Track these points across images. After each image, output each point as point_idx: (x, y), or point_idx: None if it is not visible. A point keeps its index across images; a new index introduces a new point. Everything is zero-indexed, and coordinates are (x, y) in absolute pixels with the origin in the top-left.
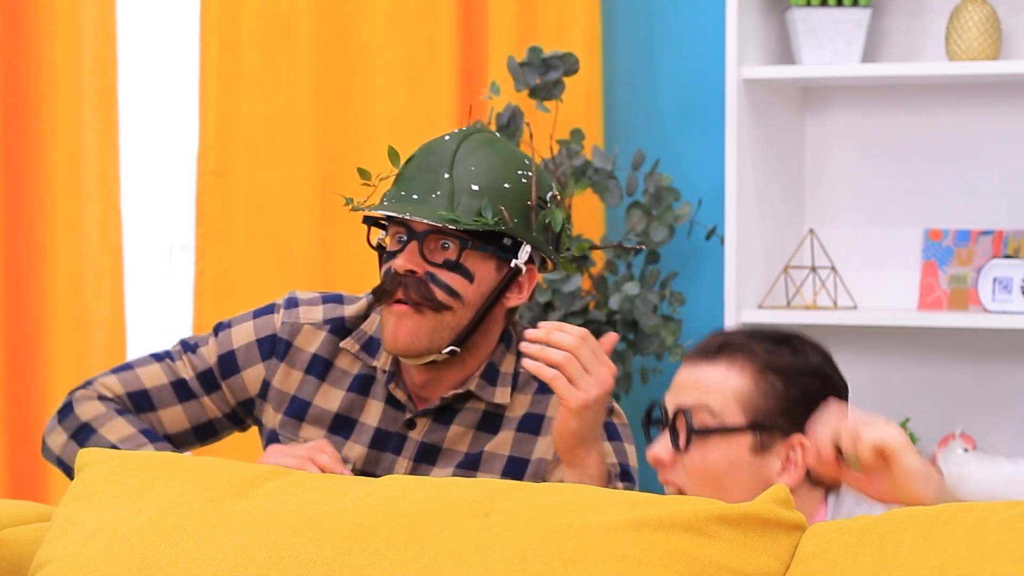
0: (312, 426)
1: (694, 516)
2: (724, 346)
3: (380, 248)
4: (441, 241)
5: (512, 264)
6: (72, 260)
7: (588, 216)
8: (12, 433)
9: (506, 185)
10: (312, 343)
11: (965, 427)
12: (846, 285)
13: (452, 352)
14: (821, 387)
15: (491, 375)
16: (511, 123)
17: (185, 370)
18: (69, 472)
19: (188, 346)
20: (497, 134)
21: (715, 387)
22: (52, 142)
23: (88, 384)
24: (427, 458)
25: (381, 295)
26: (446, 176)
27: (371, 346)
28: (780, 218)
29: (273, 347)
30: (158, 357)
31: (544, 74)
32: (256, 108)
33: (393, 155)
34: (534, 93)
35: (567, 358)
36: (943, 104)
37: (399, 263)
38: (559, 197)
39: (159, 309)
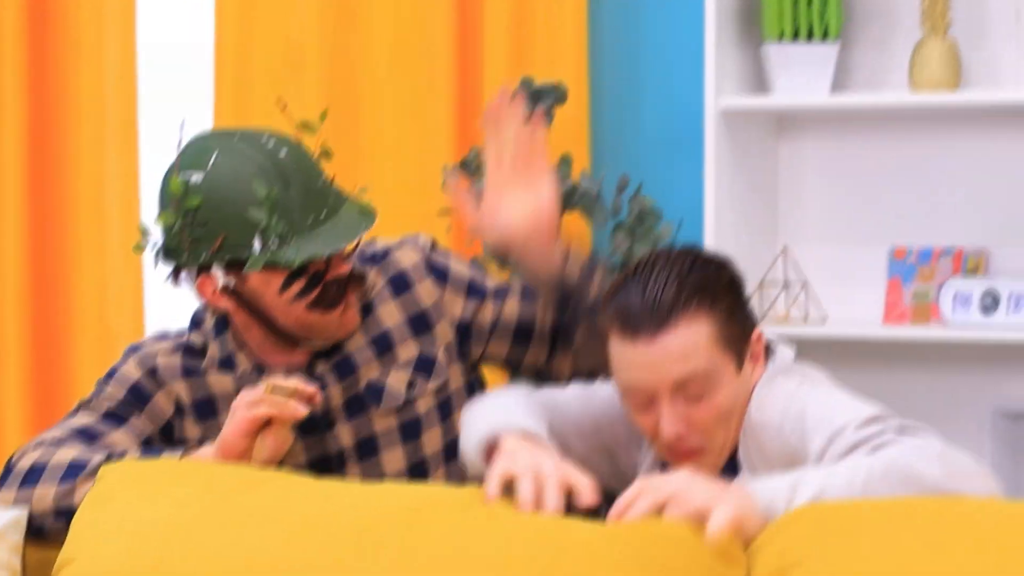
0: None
1: (666, 523)
2: (672, 307)
3: (302, 273)
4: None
5: None
6: (96, 277)
7: (576, 236)
8: None
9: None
10: (172, 361)
11: None
12: (817, 300)
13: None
14: (740, 282)
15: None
16: None
17: (105, 406)
18: (35, 529)
19: (91, 397)
20: (232, 129)
21: (692, 347)
22: (77, 167)
23: (22, 448)
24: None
25: (333, 301)
26: (320, 184)
27: (228, 362)
28: (755, 237)
29: (147, 387)
30: (73, 412)
31: (535, 103)
32: None
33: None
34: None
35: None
36: (907, 132)
37: (343, 271)
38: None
39: (178, 324)
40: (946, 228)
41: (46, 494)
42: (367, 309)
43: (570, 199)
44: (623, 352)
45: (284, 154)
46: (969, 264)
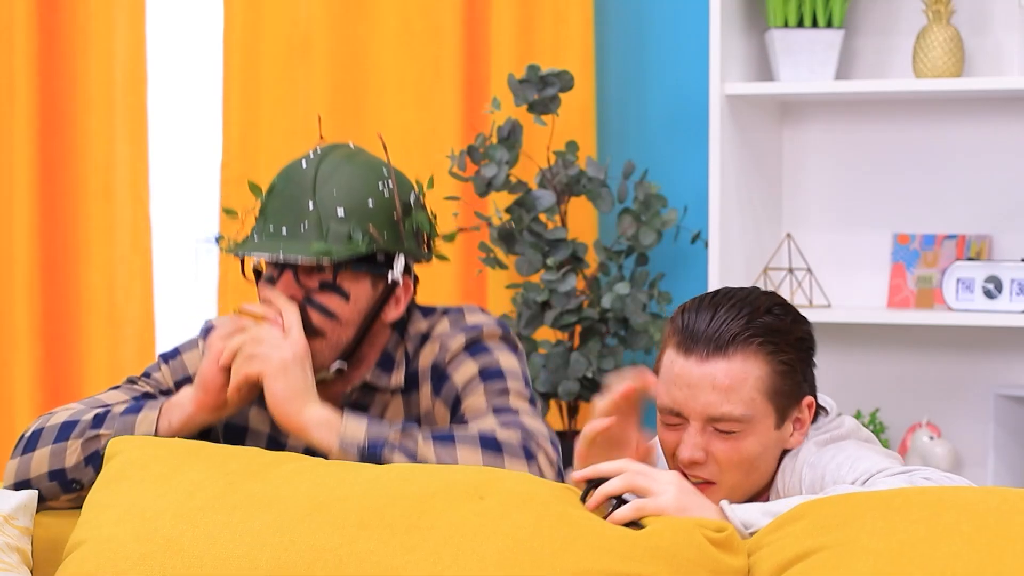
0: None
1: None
2: (734, 338)
3: (257, 273)
4: (316, 266)
5: (389, 279)
6: (105, 262)
7: (582, 221)
8: None
9: (370, 203)
10: None
11: (930, 416)
12: (821, 285)
13: (340, 371)
14: (812, 344)
15: (386, 363)
16: (511, 135)
17: (145, 388)
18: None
19: (139, 377)
20: (352, 145)
21: (738, 385)
22: (87, 153)
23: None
24: None
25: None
26: (310, 206)
27: None
28: (760, 223)
29: None
30: (115, 387)
31: (542, 90)
32: (276, 121)
33: (254, 189)
34: (532, 108)
35: (251, 339)
36: (910, 118)
37: (279, 291)
38: (420, 194)
39: (186, 307)
40: (949, 214)
41: (42, 458)
42: (369, 389)
43: (576, 185)
44: (672, 364)
45: (305, 165)
46: (972, 249)
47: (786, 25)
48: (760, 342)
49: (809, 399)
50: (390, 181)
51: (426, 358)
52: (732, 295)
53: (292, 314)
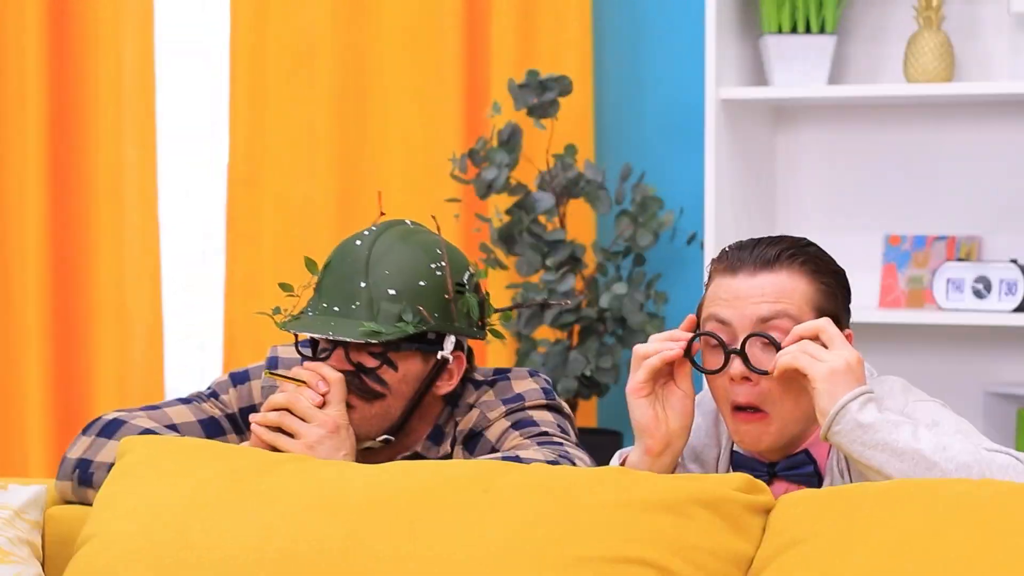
0: None
1: (674, 498)
2: (779, 255)
3: (314, 343)
4: (366, 344)
5: (439, 356)
6: (114, 263)
7: (581, 223)
8: (60, 421)
9: (421, 283)
10: None
11: None
12: None
13: (386, 441)
14: (847, 283)
15: (437, 436)
16: (511, 139)
17: (212, 411)
18: (87, 477)
19: (209, 393)
20: (409, 223)
21: (787, 294)
22: (96, 156)
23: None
24: None
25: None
26: (362, 285)
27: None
28: (754, 225)
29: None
30: (183, 400)
31: (541, 95)
32: (281, 125)
33: (311, 265)
34: (532, 112)
35: (280, 415)
36: (902, 122)
37: (334, 364)
38: (474, 274)
39: (194, 307)
40: (940, 216)
41: (115, 448)
42: (416, 457)
43: (575, 187)
44: (719, 286)
45: (359, 243)
46: (962, 250)
47: (780, 31)
48: (803, 261)
49: (849, 331)
50: (443, 261)
51: (465, 424)
52: (769, 236)
53: (337, 386)
